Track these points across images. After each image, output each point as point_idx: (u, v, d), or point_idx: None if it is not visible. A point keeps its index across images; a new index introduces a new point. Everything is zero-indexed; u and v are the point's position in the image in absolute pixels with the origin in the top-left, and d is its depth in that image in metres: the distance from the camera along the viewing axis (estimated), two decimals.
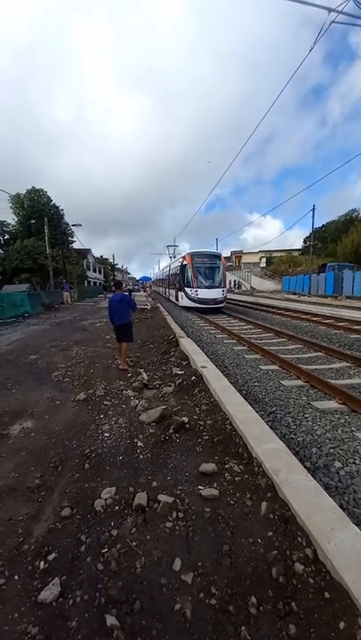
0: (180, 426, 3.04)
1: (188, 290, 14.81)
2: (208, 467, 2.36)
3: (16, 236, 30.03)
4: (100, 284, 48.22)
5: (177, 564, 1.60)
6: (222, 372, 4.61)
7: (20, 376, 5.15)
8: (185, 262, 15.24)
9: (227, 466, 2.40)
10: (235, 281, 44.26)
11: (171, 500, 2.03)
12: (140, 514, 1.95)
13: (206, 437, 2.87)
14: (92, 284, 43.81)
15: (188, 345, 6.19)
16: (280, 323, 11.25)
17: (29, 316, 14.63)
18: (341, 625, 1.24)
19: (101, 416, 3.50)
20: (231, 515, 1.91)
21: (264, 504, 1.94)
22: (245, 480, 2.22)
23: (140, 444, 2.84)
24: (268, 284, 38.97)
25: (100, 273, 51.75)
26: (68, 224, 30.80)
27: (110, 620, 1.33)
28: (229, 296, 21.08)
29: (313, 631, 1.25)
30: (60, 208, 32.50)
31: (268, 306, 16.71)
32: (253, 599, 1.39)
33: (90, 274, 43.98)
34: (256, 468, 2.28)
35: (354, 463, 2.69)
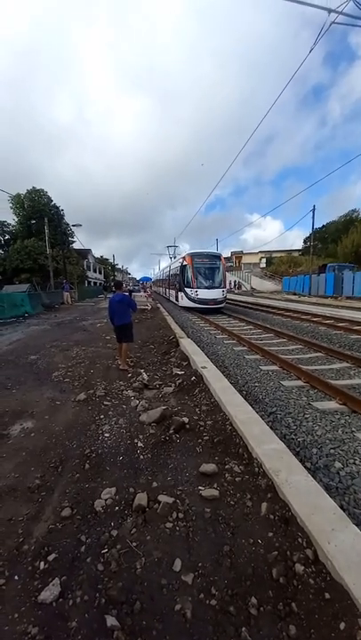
0: (180, 426, 3.04)
1: (188, 290, 14.81)
2: (208, 467, 2.36)
3: (16, 236, 30.05)
4: (100, 284, 48.23)
5: (177, 565, 1.60)
6: (223, 373, 4.61)
7: (21, 376, 5.15)
8: (185, 263, 15.25)
9: (227, 466, 2.40)
10: (235, 281, 44.25)
11: (171, 500, 2.03)
12: (140, 514, 1.95)
13: (206, 438, 2.87)
14: (92, 284, 43.82)
15: (188, 345, 6.19)
16: (280, 323, 11.25)
17: (29, 317, 14.64)
18: (342, 626, 1.24)
19: (102, 416, 3.50)
20: (231, 515, 1.91)
21: (264, 504, 1.94)
22: (246, 480, 2.22)
23: (140, 444, 2.84)
24: (269, 285, 38.97)
25: (100, 273, 51.77)
26: (68, 224, 30.84)
27: (110, 621, 1.33)
28: (229, 296, 21.08)
29: (313, 632, 1.25)
30: (61, 208, 32.56)
31: (268, 306, 16.71)
32: (254, 600, 1.39)
33: (90, 274, 44.00)
34: (256, 469, 2.28)
35: (354, 464, 2.69)
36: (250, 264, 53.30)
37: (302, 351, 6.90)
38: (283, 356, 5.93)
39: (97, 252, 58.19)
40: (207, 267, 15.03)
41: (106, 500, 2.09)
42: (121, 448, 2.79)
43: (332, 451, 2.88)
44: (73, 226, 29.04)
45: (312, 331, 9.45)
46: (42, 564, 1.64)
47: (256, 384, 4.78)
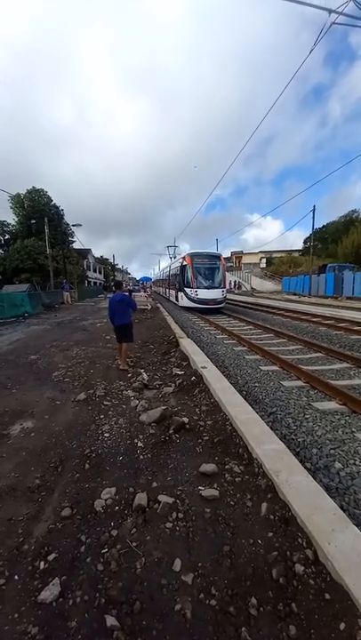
0: (180, 426, 3.04)
1: (187, 290, 14.82)
2: (208, 467, 2.36)
3: (16, 235, 30.05)
4: (100, 284, 48.22)
5: (177, 565, 1.60)
6: (222, 373, 4.61)
7: (21, 376, 5.15)
8: (185, 263, 15.25)
9: (227, 466, 2.40)
10: (235, 281, 44.25)
11: (171, 500, 2.03)
12: (140, 514, 1.95)
13: (206, 438, 2.87)
14: (92, 284, 43.81)
15: (188, 345, 6.19)
16: (280, 323, 11.25)
17: (30, 316, 14.63)
18: (342, 626, 1.24)
19: (101, 416, 3.50)
20: (231, 515, 1.91)
21: (264, 505, 1.94)
22: (246, 481, 2.22)
23: (140, 444, 2.84)
24: (269, 285, 38.97)
25: (100, 273, 51.76)
26: (68, 224, 30.85)
27: (110, 621, 1.33)
28: (230, 297, 21.08)
29: (313, 632, 1.25)
30: (61, 208, 32.57)
31: (268, 306, 16.71)
32: (254, 600, 1.39)
33: (90, 274, 43.99)
34: (256, 469, 2.28)
35: (354, 464, 2.69)
36: (250, 264, 53.32)
37: (302, 351, 6.90)
38: (283, 357, 5.93)
39: (97, 252, 58.23)
40: (207, 267, 15.03)
41: (106, 499, 2.09)
42: (121, 448, 2.79)
43: (332, 451, 2.88)
44: (73, 226, 29.07)
45: (312, 331, 9.45)
46: (42, 563, 1.64)
47: (256, 384, 4.78)
